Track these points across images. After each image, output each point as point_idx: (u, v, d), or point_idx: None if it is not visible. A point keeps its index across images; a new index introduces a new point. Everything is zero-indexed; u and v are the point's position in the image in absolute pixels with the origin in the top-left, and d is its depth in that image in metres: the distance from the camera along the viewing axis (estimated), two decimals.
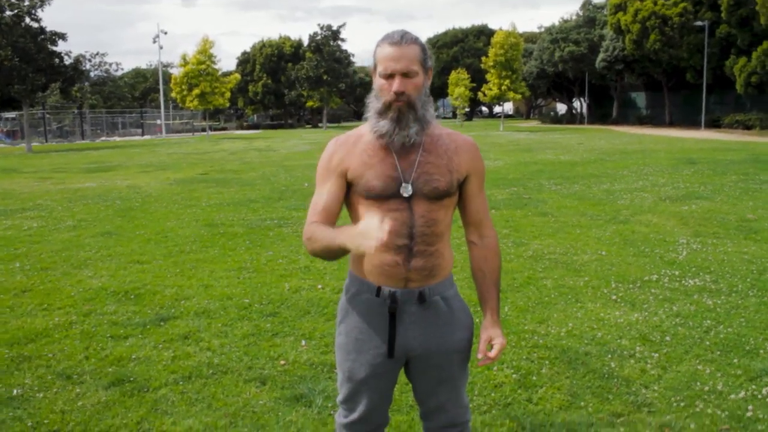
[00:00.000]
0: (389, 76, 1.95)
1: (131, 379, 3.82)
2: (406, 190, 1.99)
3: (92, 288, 5.73)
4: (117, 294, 5.53)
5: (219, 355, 4.15)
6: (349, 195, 2.09)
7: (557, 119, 61.41)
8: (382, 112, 1.98)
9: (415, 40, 1.97)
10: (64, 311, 5.10)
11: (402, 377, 2.27)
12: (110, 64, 62.08)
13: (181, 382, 3.77)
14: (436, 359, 2.12)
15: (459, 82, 50.98)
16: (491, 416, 3.33)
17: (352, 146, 2.06)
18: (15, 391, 3.67)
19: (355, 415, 2.19)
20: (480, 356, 2.15)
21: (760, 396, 3.47)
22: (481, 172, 2.14)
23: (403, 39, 1.95)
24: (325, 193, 2.06)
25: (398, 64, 1.93)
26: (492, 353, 2.13)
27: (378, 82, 1.99)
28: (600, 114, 56.79)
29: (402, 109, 1.95)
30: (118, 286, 5.76)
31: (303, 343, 4.34)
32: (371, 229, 1.68)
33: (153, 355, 4.17)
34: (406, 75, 1.94)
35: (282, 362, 4.02)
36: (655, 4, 40.02)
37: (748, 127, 34.37)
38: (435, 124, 2.07)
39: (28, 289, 5.75)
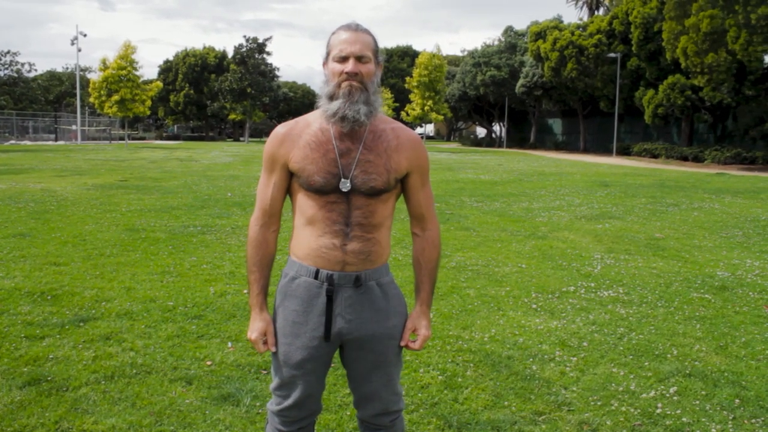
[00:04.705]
0: (343, 59, 2.02)
1: (48, 378, 3.67)
2: (345, 186, 2.05)
3: (4, 288, 5.47)
4: (32, 294, 5.30)
5: (143, 356, 4.05)
6: (291, 182, 2.15)
7: (477, 142, 63.04)
8: (333, 94, 2.03)
9: (369, 31, 2.06)
10: None
11: (330, 374, 2.30)
12: (22, 65, 59.25)
13: (103, 382, 3.66)
14: (371, 344, 2.16)
15: (382, 101, 51.61)
16: (419, 415, 3.40)
17: (297, 137, 2.11)
18: None
19: (289, 401, 2.19)
20: (402, 344, 2.23)
21: (668, 395, 3.69)
22: (423, 168, 2.20)
23: (358, 27, 2.05)
24: (271, 185, 2.16)
25: (353, 47, 2.01)
26: (415, 345, 2.23)
27: (331, 66, 2.04)
28: (518, 138, 58.65)
29: (354, 86, 2.01)
30: (33, 287, 5.52)
31: (229, 345, 4.29)
32: (255, 331, 2.18)
33: (72, 355, 4.02)
34: (359, 59, 2.01)
35: (208, 363, 3.96)
36: (573, 34, 41.85)
37: (654, 156, 36.25)
38: (382, 116, 2.14)
39: None
